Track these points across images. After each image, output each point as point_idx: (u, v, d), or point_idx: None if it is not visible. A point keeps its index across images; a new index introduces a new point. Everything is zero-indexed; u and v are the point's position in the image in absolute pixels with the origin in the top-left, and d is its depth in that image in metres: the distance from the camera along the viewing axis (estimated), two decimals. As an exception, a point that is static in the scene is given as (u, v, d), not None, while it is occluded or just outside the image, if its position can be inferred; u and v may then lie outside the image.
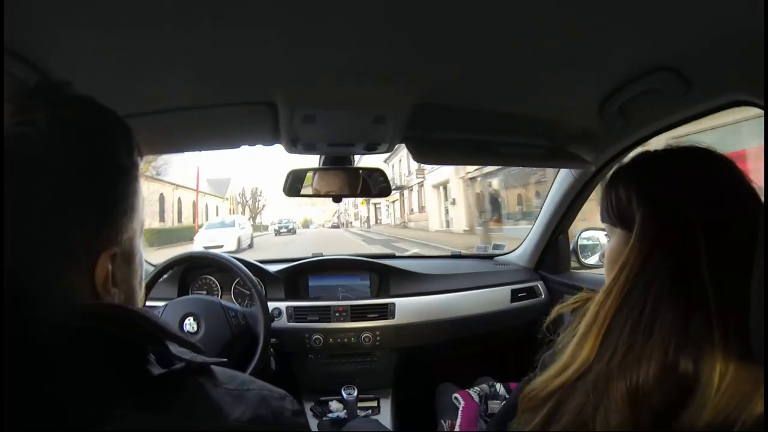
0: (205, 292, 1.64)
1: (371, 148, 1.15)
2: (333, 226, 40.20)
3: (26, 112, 0.37)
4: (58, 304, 0.37)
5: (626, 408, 0.50)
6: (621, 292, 0.55)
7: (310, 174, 1.23)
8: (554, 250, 1.72)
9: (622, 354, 0.52)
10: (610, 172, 0.68)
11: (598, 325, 0.56)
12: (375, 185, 1.27)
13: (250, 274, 1.32)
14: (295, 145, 1.10)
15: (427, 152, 1.17)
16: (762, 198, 0.55)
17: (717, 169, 0.57)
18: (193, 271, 1.66)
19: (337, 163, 1.23)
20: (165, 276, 1.46)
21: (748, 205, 0.54)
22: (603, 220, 0.66)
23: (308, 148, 1.15)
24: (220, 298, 1.58)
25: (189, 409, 0.39)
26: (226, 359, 0.48)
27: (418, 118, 0.99)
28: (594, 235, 1.68)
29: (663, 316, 0.51)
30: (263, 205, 39.75)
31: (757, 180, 0.56)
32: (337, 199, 1.26)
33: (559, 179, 1.54)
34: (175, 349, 0.43)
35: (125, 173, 0.43)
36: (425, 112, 0.96)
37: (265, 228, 33.72)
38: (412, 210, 22.51)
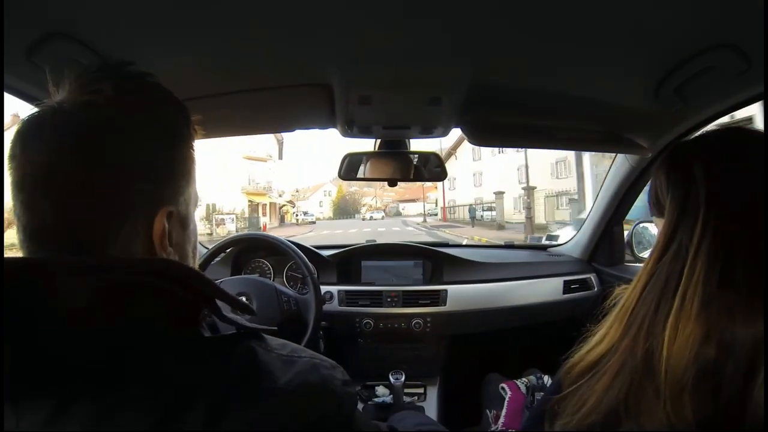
0: (257, 275, 1.67)
1: (427, 132, 1.15)
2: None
3: (93, 83, 0.41)
4: (115, 254, 0.39)
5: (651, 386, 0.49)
6: (648, 275, 0.57)
7: (365, 157, 1.25)
8: (608, 241, 1.65)
9: (646, 329, 0.53)
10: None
11: (626, 306, 0.57)
12: (430, 170, 1.27)
13: (305, 258, 1.35)
14: (351, 128, 1.11)
15: (482, 135, 1.15)
16: None
17: (743, 150, 0.57)
18: (246, 254, 1.70)
19: (393, 147, 1.23)
20: (218, 258, 1.51)
21: None
22: (650, 214, 0.67)
23: (364, 131, 1.15)
24: (273, 281, 1.61)
25: (240, 370, 0.40)
26: (276, 328, 0.49)
27: (473, 101, 0.98)
28: (649, 227, 1.61)
29: (687, 290, 0.51)
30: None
31: None
32: (392, 183, 1.27)
33: (615, 167, 1.49)
34: (227, 312, 0.44)
35: (184, 140, 0.46)
36: (480, 94, 0.96)
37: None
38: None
